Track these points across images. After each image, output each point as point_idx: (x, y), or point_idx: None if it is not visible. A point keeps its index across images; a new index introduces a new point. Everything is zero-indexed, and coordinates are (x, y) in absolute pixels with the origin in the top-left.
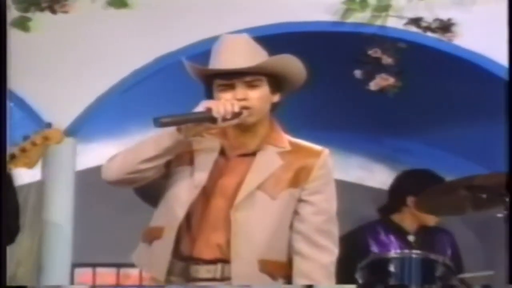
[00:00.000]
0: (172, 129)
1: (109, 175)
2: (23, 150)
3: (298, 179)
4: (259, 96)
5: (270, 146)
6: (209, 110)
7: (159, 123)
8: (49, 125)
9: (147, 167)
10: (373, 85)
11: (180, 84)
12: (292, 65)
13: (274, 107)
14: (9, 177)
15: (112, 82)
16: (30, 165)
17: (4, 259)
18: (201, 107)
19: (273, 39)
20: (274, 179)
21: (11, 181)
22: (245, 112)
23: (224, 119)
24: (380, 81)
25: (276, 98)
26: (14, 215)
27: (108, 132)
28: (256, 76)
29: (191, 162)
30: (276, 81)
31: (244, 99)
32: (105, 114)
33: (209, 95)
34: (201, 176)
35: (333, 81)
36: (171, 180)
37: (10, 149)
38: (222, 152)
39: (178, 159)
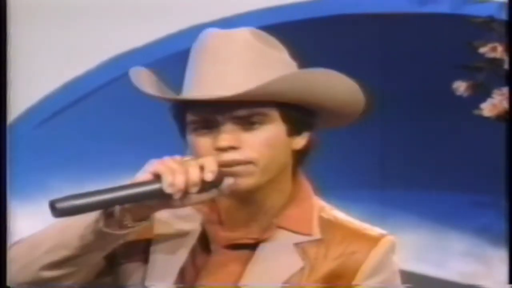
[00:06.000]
0: (94, 215)
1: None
2: None
3: None
4: (261, 142)
5: (285, 231)
6: (157, 178)
7: (56, 210)
8: None
9: (58, 275)
10: (487, 108)
11: (142, 108)
12: (330, 85)
13: (301, 155)
14: None
15: (21, 108)
16: None
17: (4, 259)
18: (146, 173)
19: (303, 27)
20: None
21: None
22: (228, 178)
23: (186, 193)
24: (501, 102)
25: (300, 142)
26: None
27: (12, 193)
28: (258, 108)
29: (146, 257)
30: (300, 114)
31: (233, 148)
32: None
33: (185, 137)
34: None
35: (414, 102)
36: (114, 283)
37: None
38: (202, 239)
39: (125, 250)
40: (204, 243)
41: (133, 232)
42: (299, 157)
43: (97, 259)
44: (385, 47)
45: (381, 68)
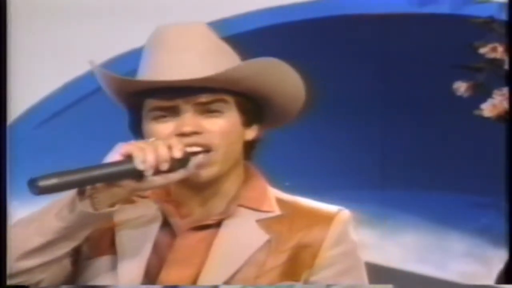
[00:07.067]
0: (70, 195)
1: None
2: None
3: (296, 266)
4: (221, 129)
5: (245, 209)
6: (128, 158)
7: (36, 187)
8: None
9: (32, 266)
10: (488, 109)
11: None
12: (280, 76)
13: (250, 147)
14: None
15: (21, 109)
16: None
17: (4, 258)
18: (116, 154)
19: (303, 27)
20: (254, 268)
21: None
22: (194, 158)
23: (157, 172)
24: (501, 102)
25: (251, 133)
26: None
27: (12, 193)
28: (218, 95)
29: (112, 246)
30: (252, 105)
31: (195, 133)
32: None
33: (138, 129)
34: (130, 271)
35: (414, 102)
36: (83, 279)
37: None
38: (165, 224)
39: (91, 243)
40: (167, 228)
41: (104, 216)
42: (248, 149)
43: (72, 244)
44: (385, 47)
45: (381, 68)
